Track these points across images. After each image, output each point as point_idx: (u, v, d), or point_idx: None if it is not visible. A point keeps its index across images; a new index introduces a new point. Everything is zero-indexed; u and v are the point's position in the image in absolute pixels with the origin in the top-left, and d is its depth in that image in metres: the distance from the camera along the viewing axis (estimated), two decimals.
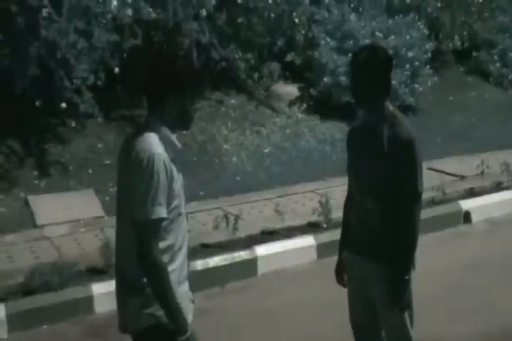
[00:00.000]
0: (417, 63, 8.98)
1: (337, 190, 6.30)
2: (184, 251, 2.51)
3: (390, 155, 2.84)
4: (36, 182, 6.57)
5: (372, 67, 2.83)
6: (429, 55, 9.31)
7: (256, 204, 6.44)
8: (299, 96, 8.79)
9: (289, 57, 8.98)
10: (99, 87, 6.83)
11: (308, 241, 5.63)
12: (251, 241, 5.53)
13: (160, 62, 2.49)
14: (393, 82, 6.81)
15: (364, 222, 3.02)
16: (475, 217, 6.49)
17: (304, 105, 8.72)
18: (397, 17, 9.24)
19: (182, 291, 2.48)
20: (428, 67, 9.31)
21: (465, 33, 10.65)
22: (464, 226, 6.42)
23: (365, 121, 3.03)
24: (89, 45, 6.51)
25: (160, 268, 2.34)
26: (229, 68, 8.37)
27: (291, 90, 8.85)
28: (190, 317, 2.49)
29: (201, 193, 6.60)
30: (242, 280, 5.17)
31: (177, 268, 2.45)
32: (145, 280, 2.38)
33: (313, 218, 5.94)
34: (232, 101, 8.53)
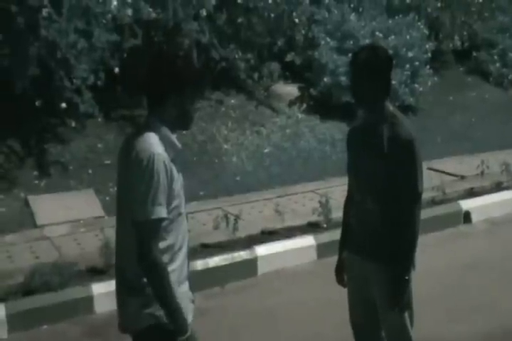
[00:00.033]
0: (417, 63, 8.98)
1: (337, 190, 6.30)
2: (184, 251, 2.51)
3: (390, 155, 2.84)
4: (36, 182, 6.57)
5: (373, 67, 2.83)
6: (429, 55, 9.31)
7: (256, 204, 6.44)
8: (299, 96, 8.79)
9: (289, 57, 8.99)
10: (99, 87, 6.83)
11: (308, 241, 5.63)
12: (251, 241, 5.53)
13: (160, 62, 2.49)
14: (393, 82, 6.80)
15: (364, 222, 3.02)
16: (475, 217, 6.49)
17: (304, 105, 8.72)
18: (397, 17, 9.24)
19: (182, 291, 2.48)
20: (428, 67, 9.31)
21: (465, 33, 10.65)
22: (464, 226, 6.42)
23: (365, 121, 3.03)
24: (89, 45, 6.51)
25: (160, 268, 2.34)
26: (229, 68, 8.38)
27: (291, 90, 8.85)
28: (190, 317, 2.50)
29: (201, 193, 6.60)
30: (242, 280, 5.17)
31: (177, 268, 2.45)
32: (145, 280, 2.38)
33: (313, 218, 5.94)
34: (232, 101, 8.53)
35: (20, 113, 6.81)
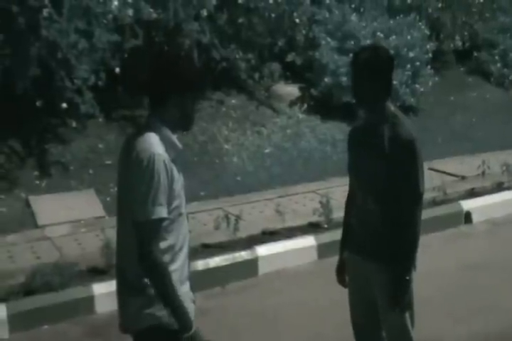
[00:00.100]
0: (417, 63, 8.97)
1: (338, 190, 6.29)
2: (185, 251, 2.51)
3: (390, 156, 2.84)
4: (37, 182, 6.57)
5: (374, 67, 2.83)
6: (430, 55, 9.31)
7: (257, 204, 6.44)
8: (300, 96, 8.79)
9: (289, 58, 8.98)
10: (100, 88, 6.82)
11: (309, 241, 5.63)
12: (252, 242, 5.53)
13: (161, 62, 2.49)
14: (394, 83, 6.80)
15: (365, 222, 3.02)
16: (476, 218, 6.49)
17: (305, 105, 8.71)
18: (398, 17, 9.23)
19: (183, 291, 2.48)
20: (429, 67, 9.30)
21: (466, 33, 10.65)
22: (465, 226, 6.42)
23: (366, 121, 3.03)
24: (90, 46, 6.50)
25: (161, 268, 2.34)
26: (230, 68, 8.37)
27: (291, 90, 8.84)
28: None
29: (202, 193, 6.60)
30: (242, 281, 5.17)
31: (178, 269, 2.45)
32: (146, 280, 2.38)
33: (314, 218, 5.94)
34: (233, 101, 8.53)
35: (21, 113, 6.81)
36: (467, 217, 6.47)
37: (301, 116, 8.55)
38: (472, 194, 6.88)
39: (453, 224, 6.34)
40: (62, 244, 5.43)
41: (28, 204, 6.18)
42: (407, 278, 2.88)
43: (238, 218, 5.80)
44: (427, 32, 9.47)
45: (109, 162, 6.77)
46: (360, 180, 3.02)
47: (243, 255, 5.29)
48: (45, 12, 6.03)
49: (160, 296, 2.36)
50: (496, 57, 10.68)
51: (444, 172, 7.37)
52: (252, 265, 5.29)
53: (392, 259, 2.87)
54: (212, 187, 6.80)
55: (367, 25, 8.89)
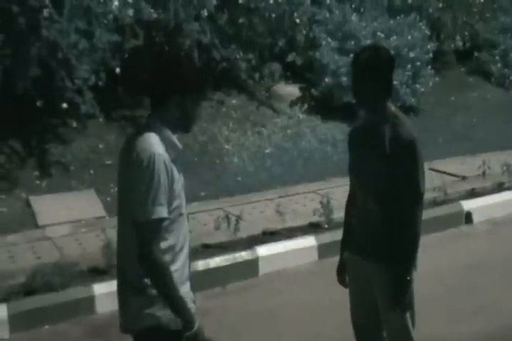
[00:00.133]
0: (418, 63, 8.98)
1: (338, 190, 6.29)
2: (185, 251, 2.51)
3: (391, 156, 2.84)
4: (37, 182, 6.58)
5: (374, 67, 2.83)
6: (431, 55, 9.31)
7: (257, 204, 6.44)
8: (300, 96, 8.79)
9: (290, 58, 8.98)
10: (101, 88, 6.82)
11: (309, 241, 5.63)
12: (252, 242, 5.53)
13: (161, 62, 2.49)
14: (394, 83, 6.80)
15: (365, 223, 3.01)
16: (476, 218, 6.49)
17: (305, 105, 8.71)
18: (398, 17, 9.24)
19: (183, 292, 2.47)
20: (429, 67, 9.31)
21: (466, 33, 10.65)
22: (466, 226, 6.42)
23: (366, 121, 3.02)
24: (90, 46, 6.50)
25: (162, 268, 2.34)
26: (230, 68, 8.37)
27: (292, 90, 8.84)
28: None
29: (202, 194, 6.60)
30: (243, 281, 5.17)
31: (178, 269, 2.45)
32: (146, 280, 2.38)
33: (315, 218, 5.94)
34: (233, 101, 8.53)
35: (21, 113, 6.81)
36: (468, 217, 6.47)
37: (301, 116, 8.55)
38: (473, 194, 6.88)
39: (453, 224, 6.34)
40: (62, 244, 5.43)
41: (28, 205, 6.18)
42: (408, 278, 2.88)
43: (239, 218, 5.80)
44: (428, 32, 9.47)
45: (109, 162, 6.78)
46: (361, 180, 3.02)
47: (244, 255, 5.29)
48: (46, 12, 6.03)
49: (162, 296, 2.36)
50: (497, 58, 10.68)
51: (444, 173, 7.37)
52: (252, 265, 5.29)
53: (393, 259, 2.87)
54: (212, 188, 6.80)
55: (367, 25, 8.89)
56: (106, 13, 6.56)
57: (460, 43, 10.57)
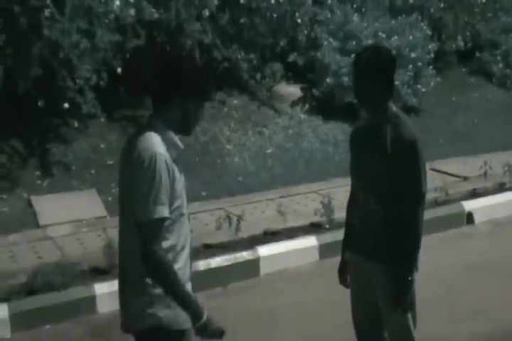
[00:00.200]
0: (419, 64, 8.97)
1: (339, 190, 6.29)
2: (186, 251, 2.51)
3: (393, 156, 2.83)
4: (39, 182, 6.58)
5: (376, 67, 2.83)
6: (432, 55, 9.30)
7: (258, 204, 6.44)
8: (302, 96, 8.78)
9: (291, 58, 8.98)
10: (102, 87, 6.82)
11: (310, 241, 5.62)
12: (253, 242, 5.53)
13: (163, 62, 2.49)
14: (396, 83, 6.79)
15: (367, 223, 3.01)
16: (478, 218, 6.48)
17: (307, 106, 8.71)
18: (400, 17, 9.23)
19: None
20: (431, 67, 9.30)
21: (468, 33, 10.64)
22: (467, 227, 6.41)
23: (368, 121, 3.02)
24: (91, 45, 6.50)
25: (166, 266, 2.34)
26: (231, 68, 8.37)
27: (293, 91, 8.84)
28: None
29: (203, 193, 6.60)
30: (244, 281, 5.17)
31: (180, 269, 2.45)
32: (147, 280, 2.38)
33: (316, 218, 5.94)
34: (235, 101, 8.53)
35: (22, 113, 6.81)
36: (469, 218, 6.47)
37: (302, 116, 8.54)
38: (474, 194, 6.87)
39: (455, 225, 6.34)
40: (63, 243, 5.43)
41: (29, 204, 6.18)
42: (409, 278, 2.88)
43: (240, 218, 5.80)
44: (429, 32, 9.46)
45: (110, 162, 6.77)
46: (362, 181, 3.02)
47: (245, 255, 5.29)
48: (47, 12, 6.03)
49: (167, 293, 2.37)
50: (498, 58, 10.66)
51: (446, 173, 7.36)
52: (253, 265, 5.29)
53: (394, 260, 2.87)
54: (213, 188, 6.80)
55: (369, 25, 8.88)
56: (107, 13, 6.56)
57: (461, 43, 10.55)
